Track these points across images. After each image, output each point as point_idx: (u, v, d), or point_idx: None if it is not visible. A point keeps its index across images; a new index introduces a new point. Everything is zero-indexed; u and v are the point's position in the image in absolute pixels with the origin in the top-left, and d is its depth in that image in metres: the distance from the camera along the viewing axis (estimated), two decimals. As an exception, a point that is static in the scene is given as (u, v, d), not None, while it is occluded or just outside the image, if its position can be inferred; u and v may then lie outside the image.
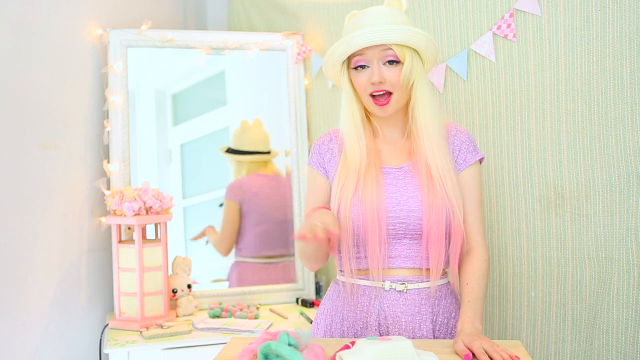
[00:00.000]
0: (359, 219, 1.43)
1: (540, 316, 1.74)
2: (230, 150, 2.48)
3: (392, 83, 1.44)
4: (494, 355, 1.21)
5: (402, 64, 1.43)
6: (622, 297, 1.53)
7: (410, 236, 1.45)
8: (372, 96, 1.46)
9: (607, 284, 1.57)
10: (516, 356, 1.21)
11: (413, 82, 1.46)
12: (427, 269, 1.46)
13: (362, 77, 1.46)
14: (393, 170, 1.49)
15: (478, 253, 1.48)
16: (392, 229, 1.44)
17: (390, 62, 1.44)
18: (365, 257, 1.46)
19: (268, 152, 2.51)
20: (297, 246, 1.52)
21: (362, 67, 1.45)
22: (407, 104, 1.51)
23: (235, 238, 2.46)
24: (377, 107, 1.47)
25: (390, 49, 1.42)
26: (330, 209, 1.47)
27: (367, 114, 1.54)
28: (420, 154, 1.47)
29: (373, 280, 1.45)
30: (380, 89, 1.44)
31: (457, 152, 1.51)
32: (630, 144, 1.52)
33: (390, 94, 1.45)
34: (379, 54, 1.43)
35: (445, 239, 1.44)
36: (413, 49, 1.44)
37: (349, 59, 1.48)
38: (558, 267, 1.70)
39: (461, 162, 1.50)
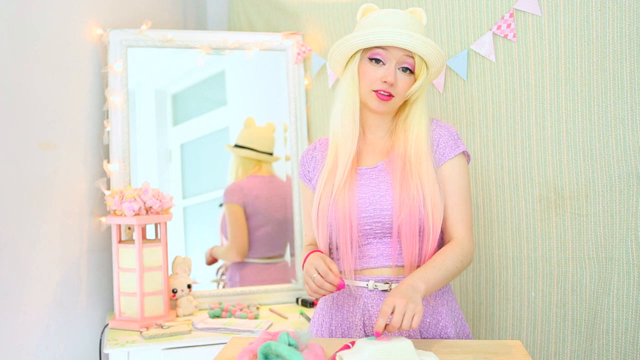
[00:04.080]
0: (333, 223, 1.45)
1: (540, 316, 1.74)
2: (237, 147, 2.49)
3: (399, 90, 1.45)
4: (398, 317, 1.22)
5: (414, 75, 1.45)
6: (622, 297, 1.53)
7: (389, 235, 1.45)
8: (375, 91, 1.46)
9: (607, 284, 1.57)
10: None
11: (416, 96, 1.49)
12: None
13: (376, 71, 1.45)
14: (368, 171, 1.49)
15: (455, 241, 1.45)
16: (370, 229, 1.45)
17: (405, 69, 1.45)
18: (359, 257, 1.47)
19: (270, 154, 2.51)
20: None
21: (378, 61, 1.45)
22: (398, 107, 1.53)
23: (247, 240, 2.46)
24: (378, 101, 1.46)
25: (412, 57, 1.43)
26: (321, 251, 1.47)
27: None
28: (398, 152, 1.47)
29: (346, 279, 1.46)
30: (387, 90, 1.45)
31: (436, 147, 1.49)
32: (630, 144, 1.52)
33: (391, 95, 1.46)
34: (400, 57, 1.44)
35: (420, 235, 1.43)
36: (428, 66, 1.46)
37: (366, 49, 1.46)
38: (558, 267, 1.70)
39: (439, 156, 1.48)
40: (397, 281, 1.45)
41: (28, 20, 1.93)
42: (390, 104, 1.46)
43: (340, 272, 1.47)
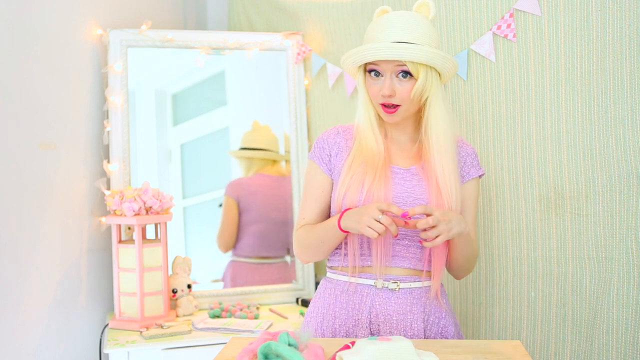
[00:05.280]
0: None
1: (540, 316, 1.74)
2: (254, 149, 2.49)
3: (402, 97, 1.45)
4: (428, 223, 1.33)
5: (416, 78, 1.43)
6: (622, 297, 1.53)
7: (410, 237, 1.47)
8: (381, 104, 1.47)
9: (607, 284, 1.57)
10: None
11: (427, 97, 1.47)
12: (423, 271, 1.48)
13: (374, 85, 1.47)
14: (401, 171, 1.50)
15: None
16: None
17: (404, 74, 1.44)
18: (368, 254, 1.47)
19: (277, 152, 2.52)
20: (307, 233, 1.54)
21: (377, 73, 1.46)
22: (418, 112, 1.52)
23: (235, 234, 2.47)
24: (385, 114, 1.48)
25: (405, 64, 1.42)
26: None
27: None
28: (429, 162, 1.48)
29: (376, 278, 1.47)
30: (389, 102, 1.45)
31: (462, 164, 1.55)
32: (630, 144, 1.52)
33: (396, 105, 1.46)
34: (393, 67, 1.43)
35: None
36: (429, 66, 1.44)
37: (365, 64, 1.48)
38: (558, 267, 1.70)
39: (465, 174, 1.55)
40: (405, 281, 1.47)
41: (28, 20, 1.93)
42: (399, 113, 1.47)
43: (368, 266, 1.48)
